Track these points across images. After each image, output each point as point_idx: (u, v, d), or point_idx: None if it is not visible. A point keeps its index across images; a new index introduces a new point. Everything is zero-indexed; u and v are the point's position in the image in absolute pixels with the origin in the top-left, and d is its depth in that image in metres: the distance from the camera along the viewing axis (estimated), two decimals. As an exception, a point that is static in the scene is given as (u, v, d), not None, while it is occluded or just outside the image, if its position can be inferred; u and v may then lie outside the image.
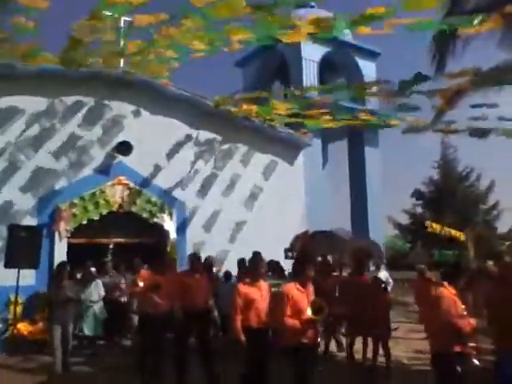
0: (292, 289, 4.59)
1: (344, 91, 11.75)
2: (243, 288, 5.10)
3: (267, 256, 9.43)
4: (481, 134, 9.71)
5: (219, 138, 12.13)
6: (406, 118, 10.60)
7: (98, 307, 8.70)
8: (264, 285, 5.28)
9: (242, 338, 4.87)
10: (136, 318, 7.66)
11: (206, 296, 6.56)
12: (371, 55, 18.53)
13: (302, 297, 4.55)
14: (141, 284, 6.12)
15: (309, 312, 4.41)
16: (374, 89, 11.46)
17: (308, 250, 9.45)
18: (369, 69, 18.21)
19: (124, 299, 9.17)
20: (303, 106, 10.40)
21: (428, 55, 10.55)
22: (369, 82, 12.63)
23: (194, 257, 6.82)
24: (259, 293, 5.11)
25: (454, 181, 23.87)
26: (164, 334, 6.24)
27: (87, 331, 8.57)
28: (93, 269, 9.18)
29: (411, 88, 8.73)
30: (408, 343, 9.13)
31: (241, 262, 8.50)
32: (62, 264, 7.61)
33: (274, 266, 9.06)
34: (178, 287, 6.27)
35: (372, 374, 6.84)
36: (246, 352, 4.96)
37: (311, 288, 4.77)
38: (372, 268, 10.60)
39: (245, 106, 10.58)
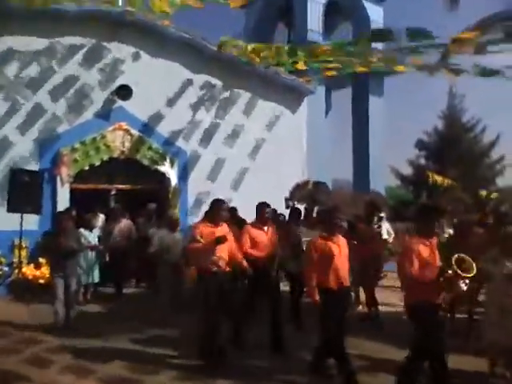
0: (419, 243, 4.05)
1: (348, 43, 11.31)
2: (320, 243, 4.59)
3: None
4: (488, 73, 9.46)
5: (221, 83, 11.83)
6: (414, 60, 10.31)
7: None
8: (342, 240, 4.75)
9: (317, 297, 4.47)
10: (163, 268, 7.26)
11: (275, 251, 5.83)
12: (378, -1, 17.86)
13: (430, 252, 4.05)
14: (199, 238, 5.08)
15: (445, 263, 3.95)
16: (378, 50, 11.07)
17: (313, 199, 9.39)
18: (376, 13, 17.63)
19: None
20: (309, 54, 10.10)
21: None
22: (375, 30, 12.26)
23: (264, 206, 5.89)
24: (338, 248, 4.59)
25: (458, 131, 23.55)
26: (229, 294, 5.28)
27: (96, 278, 8.59)
28: (101, 215, 9.19)
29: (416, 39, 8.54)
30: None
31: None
32: (62, 212, 7.34)
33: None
34: (245, 241, 5.60)
35: (364, 322, 7.02)
36: (322, 315, 4.51)
37: (435, 242, 4.22)
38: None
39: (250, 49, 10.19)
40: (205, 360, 5.03)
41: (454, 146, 22.76)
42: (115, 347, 5.76)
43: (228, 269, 5.24)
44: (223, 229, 5.26)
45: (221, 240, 5.02)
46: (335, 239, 4.66)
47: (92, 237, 8.34)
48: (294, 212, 7.85)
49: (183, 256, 7.05)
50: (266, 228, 5.75)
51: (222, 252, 5.13)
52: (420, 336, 4.04)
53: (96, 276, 8.58)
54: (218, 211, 5.26)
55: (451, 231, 11.38)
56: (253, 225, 5.84)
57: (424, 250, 4.06)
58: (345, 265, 4.63)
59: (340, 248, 4.63)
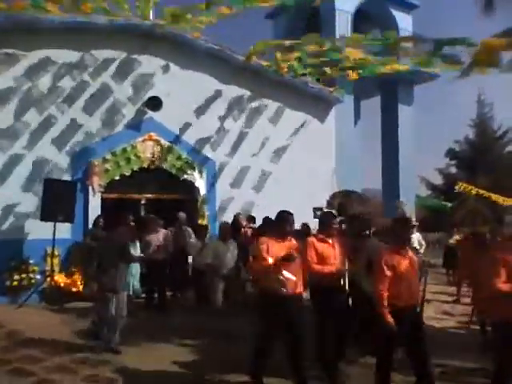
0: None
1: (377, 45, 11.23)
2: (390, 258, 4.19)
3: (296, 214, 9.46)
4: None
5: (249, 93, 11.90)
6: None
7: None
8: (411, 254, 4.38)
9: (390, 319, 4.02)
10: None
11: (342, 266, 5.13)
12: (408, 7, 17.72)
13: None
14: (266, 255, 4.48)
15: None
16: (409, 44, 10.98)
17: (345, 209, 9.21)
18: (405, 21, 17.47)
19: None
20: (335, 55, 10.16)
21: None
22: (405, 37, 12.17)
23: (332, 216, 5.28)
24: (408, 264, 4.22)
25: (489, 140, 23.18)
26: (296, 321, 4.58)
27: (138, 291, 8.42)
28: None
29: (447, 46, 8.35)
30: (438, 305, 9.20)
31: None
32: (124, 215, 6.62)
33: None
34: (311, 256, 4.89)
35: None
36: (386, 335, 4.07)
37: None
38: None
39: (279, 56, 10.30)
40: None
41: (485, 155, 22.39)
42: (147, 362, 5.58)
43: (298, 291, 4.62)
44: (291, 245, 4.66)
45: (288, 258, 4.44)
46: (406, 253, 4.30)
47: (136, 248, 8.00)
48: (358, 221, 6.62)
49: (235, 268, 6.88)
50: (330, 240, 5.08)
51: (291, 272, 4.52)
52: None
53: (138, 288, 8.41)
54: (285, 224, 4.67)
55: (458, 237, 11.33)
56: (317, 237, 5.13)
57: None
58: (416, 280, 4.33)
59: (411, 262, 4.27)
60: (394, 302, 4.08)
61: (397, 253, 4.24)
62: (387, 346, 4.18)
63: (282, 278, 4.46)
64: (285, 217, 4.71)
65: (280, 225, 4.71)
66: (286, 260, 4.44)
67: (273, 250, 4.52)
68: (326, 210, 5.53)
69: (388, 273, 4.10)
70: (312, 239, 5.08)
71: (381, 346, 4.25)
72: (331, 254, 5.00)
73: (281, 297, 4.47)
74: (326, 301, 4.91)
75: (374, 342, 4.48)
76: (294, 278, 4.53)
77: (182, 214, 9.41)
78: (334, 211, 9.61)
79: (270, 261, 4.46)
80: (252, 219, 9.82)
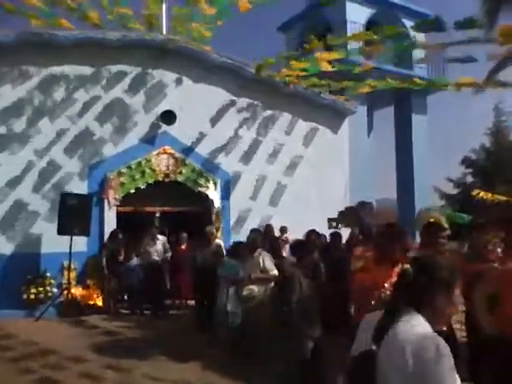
0: None
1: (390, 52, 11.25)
2: None
3: (309, 225, 9.39)
4: None
5: (261, 105, 11.96)
6: (460, 79, 10.19)
7: None
8: None
9: None
10: None
11: None
12: (420, 17, 17.68)
13: None
14: None
15: None
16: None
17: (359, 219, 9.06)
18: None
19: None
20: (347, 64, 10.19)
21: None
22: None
23: (437, 228, 4.06)
24: None
25: (506, 149, 22.83)
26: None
27: None
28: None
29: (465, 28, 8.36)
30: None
31: None
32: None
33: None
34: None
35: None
36: None
37: None
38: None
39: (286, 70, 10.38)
40: None
41: (501, 164, 22.05)
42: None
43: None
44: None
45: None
46: None
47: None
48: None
49: None
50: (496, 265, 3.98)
51: None
52: None
53: None
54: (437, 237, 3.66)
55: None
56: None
57: None
58: None
59: None
60: None
61: None
62: None
63: None
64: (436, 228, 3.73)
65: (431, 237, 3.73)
66: None
67: None
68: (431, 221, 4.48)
69: None
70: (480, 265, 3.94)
71: None
72: None
73: None
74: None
75: None
76: None
77: (211, 227, 8.64)
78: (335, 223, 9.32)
79: None
80: (284, 230, 9.86)
